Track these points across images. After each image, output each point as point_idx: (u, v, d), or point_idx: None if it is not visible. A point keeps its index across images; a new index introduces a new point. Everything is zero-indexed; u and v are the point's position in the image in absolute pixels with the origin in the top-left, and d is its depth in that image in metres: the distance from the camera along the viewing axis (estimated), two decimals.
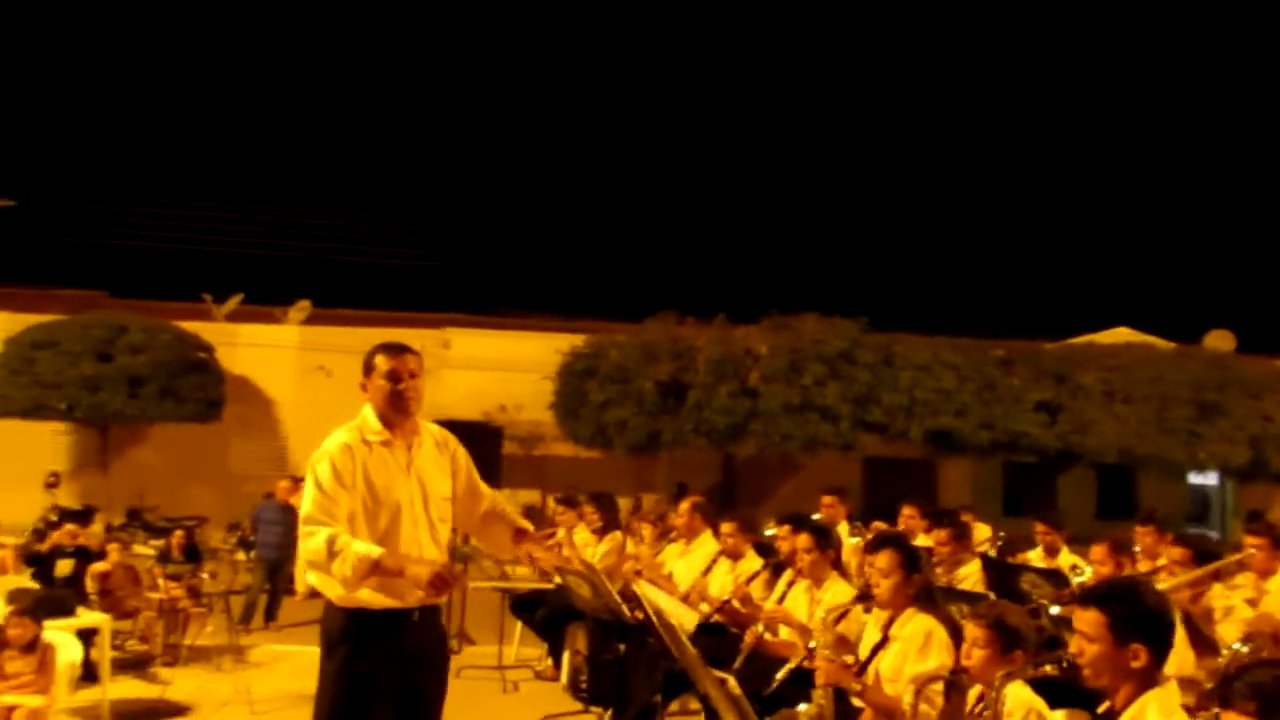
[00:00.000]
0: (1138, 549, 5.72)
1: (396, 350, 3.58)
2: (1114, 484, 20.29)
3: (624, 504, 11.69)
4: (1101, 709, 2.56)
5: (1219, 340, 19.45)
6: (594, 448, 16.36)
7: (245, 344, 19.45)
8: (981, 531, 8.66)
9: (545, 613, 6.83)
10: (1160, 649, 2.44)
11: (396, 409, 3.49)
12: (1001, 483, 20.34)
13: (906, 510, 6.90)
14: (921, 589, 3.78)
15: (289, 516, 10.00)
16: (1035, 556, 6.74)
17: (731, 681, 3.14)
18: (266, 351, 19.48)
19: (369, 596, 3.36)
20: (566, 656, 6.75)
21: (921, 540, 6.50)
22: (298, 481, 9.39)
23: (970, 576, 5.82)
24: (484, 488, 3.83)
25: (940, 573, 5.72)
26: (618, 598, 5.13)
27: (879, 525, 7.42)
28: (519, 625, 7.60)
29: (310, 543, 3.29)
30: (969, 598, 4.80)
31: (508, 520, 3.81)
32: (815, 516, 6.47)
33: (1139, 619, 2.45)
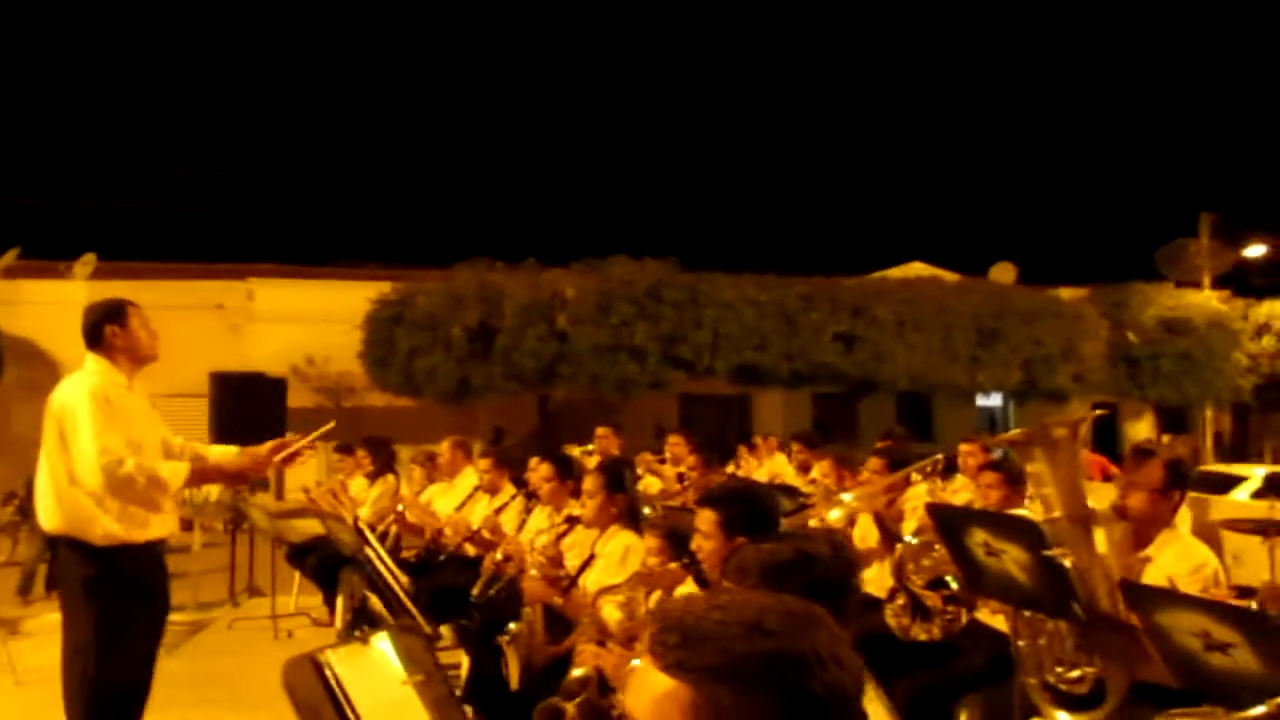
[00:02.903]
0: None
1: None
2: (912, 409, 21.64)
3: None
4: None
5: (1002, 273, 20.86)
6: (404, 396, 16.18)
7: (26, 302, 18.11)
8: (779, 461, 9.16)
9: (317, 559, 6.79)
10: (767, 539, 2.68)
11: (147, 358, 3.84)
12: (811, 413, 21.38)
13: (672, 439, 7.19)
14: (625, 508, 3.99)
15: None
16: (790, 474, 7.18)
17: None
18: (50, 309, 18.14)
19: (127, 532, 3.59)
20: (340, 601, 6.75)
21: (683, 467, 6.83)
22: None
23: None
24: None
25: (692, 494, 6.02)
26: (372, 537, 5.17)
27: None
28: (297, 575, 7.54)
29: (121, 470, 3.45)
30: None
31: None
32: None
33: (746, 518, 2.69)
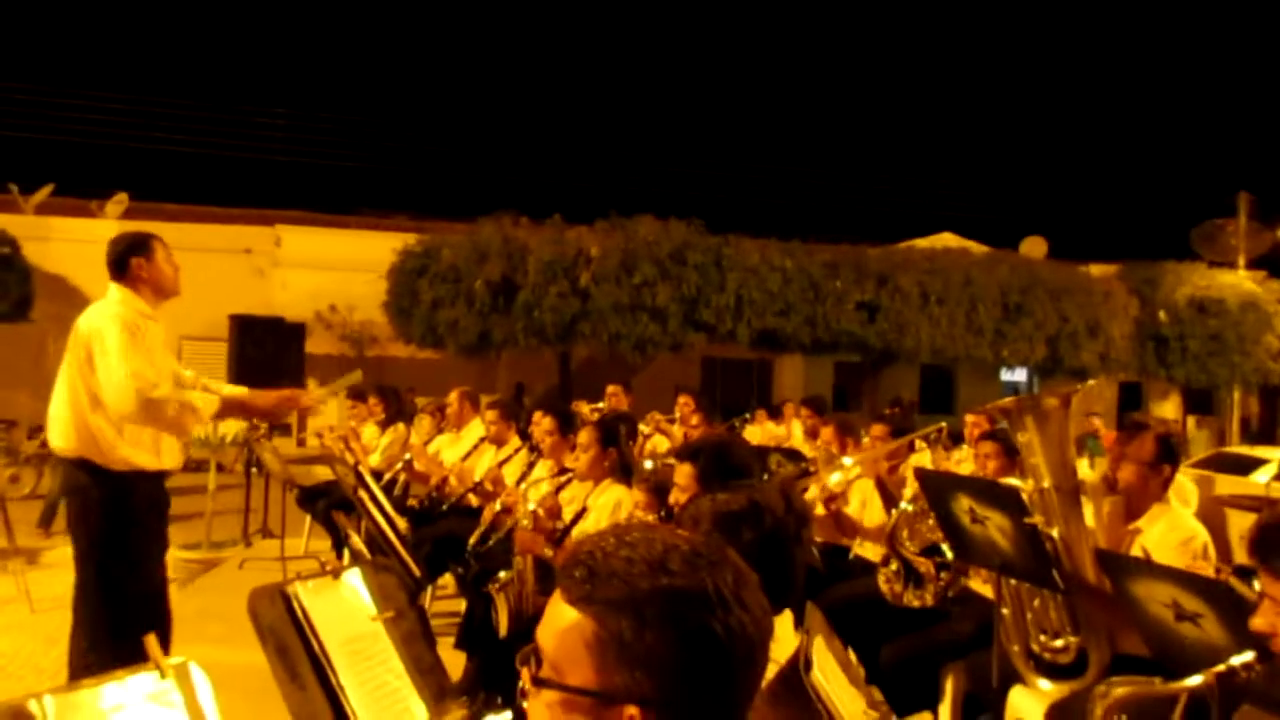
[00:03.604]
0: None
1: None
2: (935, 381, 21.55)
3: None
4: None
5: (1032, 247, 20.62)
6: (426, 348, 16.30)
7: (58, 239, 18.36)
8: (795, 427, 9.19)
9: (327, 503, 6.90)
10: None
11: (170, 292, 3.93)
12: (832, 380, 21.34)
13: (681, 399, 7.21)
14: (616, 462, 4.02)
15: None
16: (799, 439, 7.18)
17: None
18: (82, 247, 18.36)
19: (141, 458, 3.70)
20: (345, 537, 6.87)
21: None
22: None
23: None
24: None
25: None
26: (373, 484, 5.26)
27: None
28: (308, 519, 7.67)
29: (155, 393, 3.54)
30: None
31: None
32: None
33: (722, 470, 2.71)
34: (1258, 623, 1.85)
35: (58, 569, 7.75)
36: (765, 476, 5.33)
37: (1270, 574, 1.67)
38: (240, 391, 4.21)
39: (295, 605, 2.03)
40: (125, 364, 3.57)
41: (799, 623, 1.89)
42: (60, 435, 3.75)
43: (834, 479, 4.77)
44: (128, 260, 3.83)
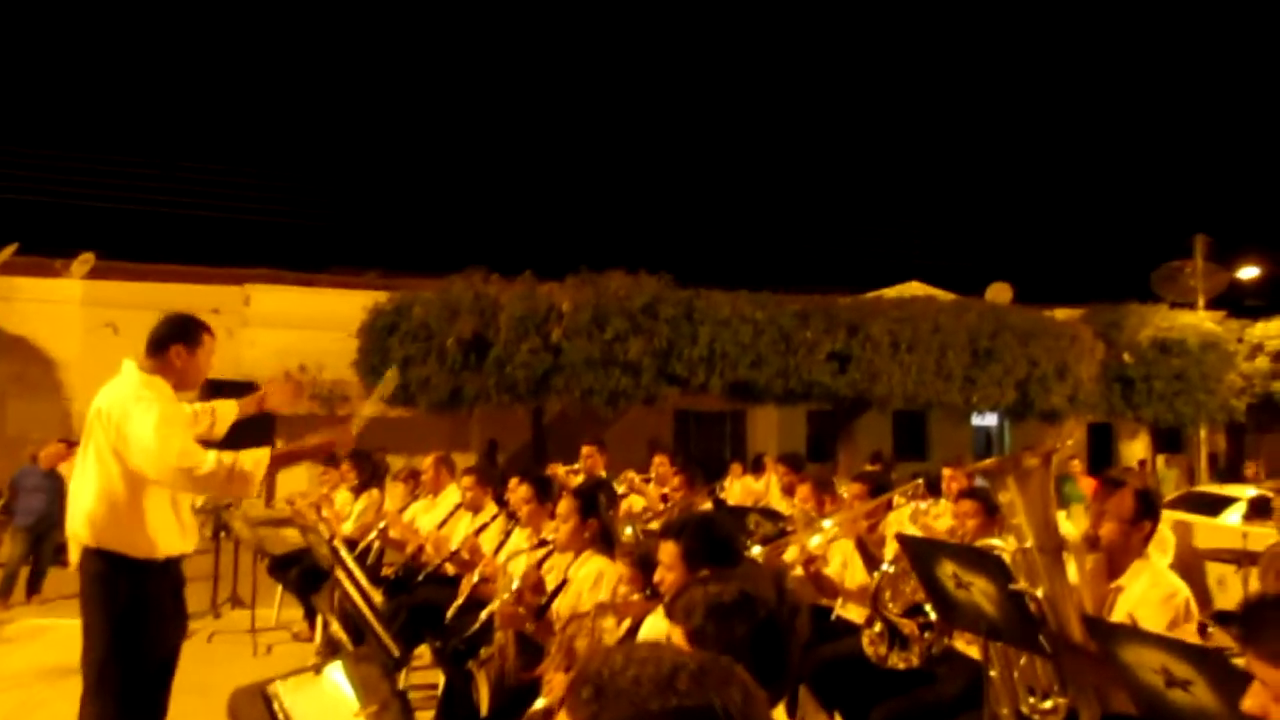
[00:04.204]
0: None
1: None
2: (907, 427, 21.65)
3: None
4: None
5: (998, 293, 20.90)
6: (397, 406, 16.17)
7: (21, 299, 18.17)
8: (768, 482, 9.17)
9: (299, 572, 6.76)
10: (726, 572, 2.67)
11: (193, 387, 3.78)
12: (806, 430, 21.38)
13: (657, 458, 7.18)
14: (598, 532, 3.97)
15: (54, 483, 9.52)
16: (776, 495, 7.15)
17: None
18: (46, 307, 18.25)
19: (169, 543, 3.61)
20: (320, 617, 6.72)
21: (670, 487, 6.83)
22: (71, 445, 8.91)
23: None
24: None
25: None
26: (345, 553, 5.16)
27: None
28: (279, 587, 7.51)
29: (201, 471, 3.39)
30: None
31: None
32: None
33: (708, 549, 2.68)
34: (1249, 705, 1.84)
35: (19, 643, 7.53)
36: (744, 539, 5.32)
37: (1257, 655, 1.67)
38: (232, 407, 4.21)
39: (277, 706, 1.97)
40: (170, 441, 3.43)
41: (792, 710, 1.86)
42: (85, 525, 3.59)
43: (814, 542, 4.74)
44: (169, 345, 3.70)
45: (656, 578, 2.75)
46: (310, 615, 6.95)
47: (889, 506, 5.06)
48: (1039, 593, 3.22)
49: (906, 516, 5.37)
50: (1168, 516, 10.96)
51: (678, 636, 1.79)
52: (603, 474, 7.46)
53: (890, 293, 19.77)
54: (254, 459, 3.54)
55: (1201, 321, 20.22)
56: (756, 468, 11.18)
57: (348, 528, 6.93)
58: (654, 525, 5.38)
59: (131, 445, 3.47)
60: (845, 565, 4.93)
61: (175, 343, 3.70)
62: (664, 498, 6.72)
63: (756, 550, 4.84)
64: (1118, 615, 3.38)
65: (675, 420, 21.00)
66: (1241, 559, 5.07)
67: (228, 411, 3.90)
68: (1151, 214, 46.49)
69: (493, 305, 15.24)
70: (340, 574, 3.94)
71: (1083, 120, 52.41)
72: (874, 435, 19.89)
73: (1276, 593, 1.76)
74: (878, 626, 4.31)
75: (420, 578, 5.46)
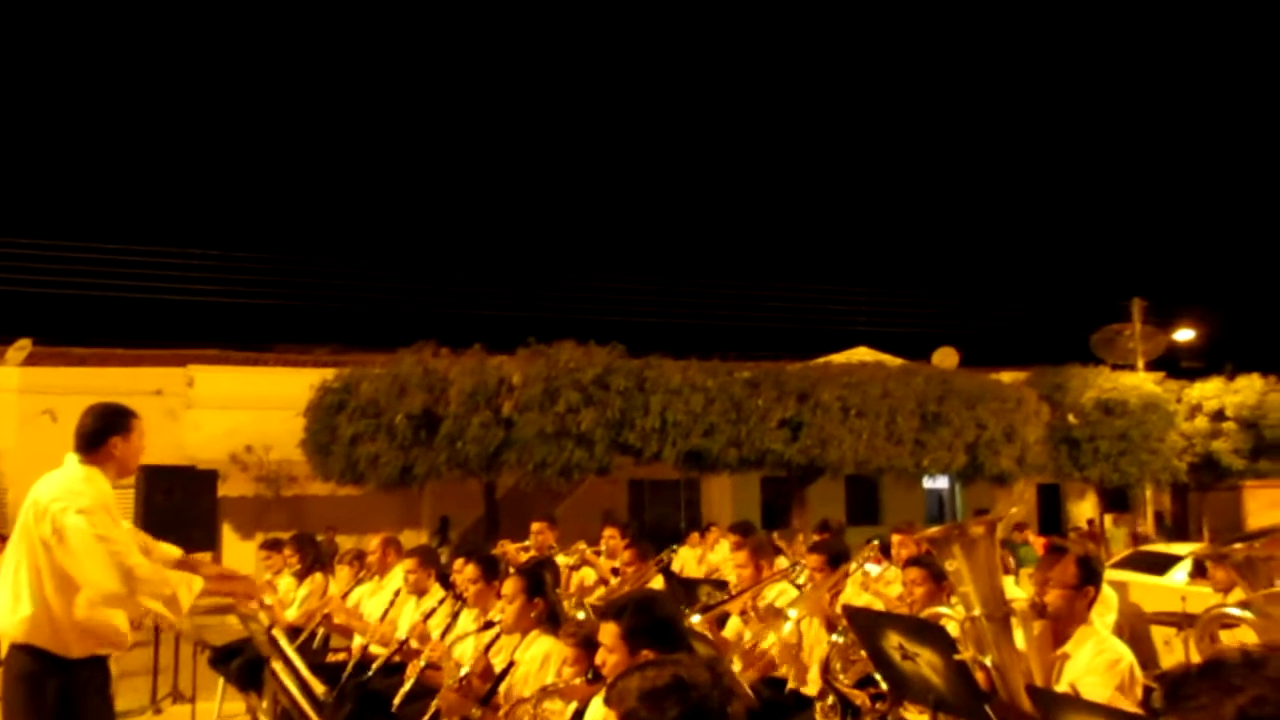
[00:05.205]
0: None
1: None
2: (860, 492, 21.73)
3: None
4: None
5: (944, 356, 21.26)
6: (346, 484, 15.90)
7: None
8: (721, 551, 9.09)
9: (242, 663, 6.55)
10: (667, 655, 2.64)
11: (131, 471, 3.81)
12: (760, 497, 21.36)
13: (607, 531, 7.11)
14: (544, 611, 3.91)
15: None
16: (729, 566, 7.08)
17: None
18: None
19: (104, 640, 3.56)
20: (265, 705, 6.49)
21: (622, 559, 6.76)
22: (3, 540, 8.60)
23: None
24: None
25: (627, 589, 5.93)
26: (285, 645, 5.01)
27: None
28: (221, 680, 7.25)
29: (141, 571, 3.40)
30: None
31: None
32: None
33: (649, 629, 2.65)
34: None
35: None
36: (698, 608, 5.25)
37: None
38: (174, 551, 4.08)
39: None
40: (106, 545, 3.40)
41: None
42: (11, 616, 3.48)
43: (786, 630, 4.64)
44: (107, 439, 3.66)
45: (598, 659, 2.71)
46: (254, 710, 6.71)
47: (847, 575, 5.04)
48: (988, 661, 3.22)
49: (858, 580, 5.34)
50: (1116, 576, 11.09)
51: None
52: (554, 549, 7.37)
53: (839, 358, 20.01)
54: (185, 586, 3.61)
55: (1143, 383, 20.71)
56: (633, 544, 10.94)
57: (291, 614, 6.73)
58: (602, 606, 5.30)
59: (72, 543, 3.42)
60: (817, 641, 4.82)
61: (112, 434, 3.68)
62: (615, 571, 6.64)
63: (696, 619, 4.76)
64: (1063, 683, 3.38)
65: (630, 490, 20.89)
66: (1182, 622, 5.12)
67: (191, 588, 3.73)
68: (1089, 277, 47.90)
69: (442, 380, 15.15)
70: (278, 665, 3.82)
71: (1019, 185, 54.15)
72: (827, 501, 19.94)
73: (1201, 660, 1.77)
74: (830, 699, 4.27)
75: (370, 673, 5.29)
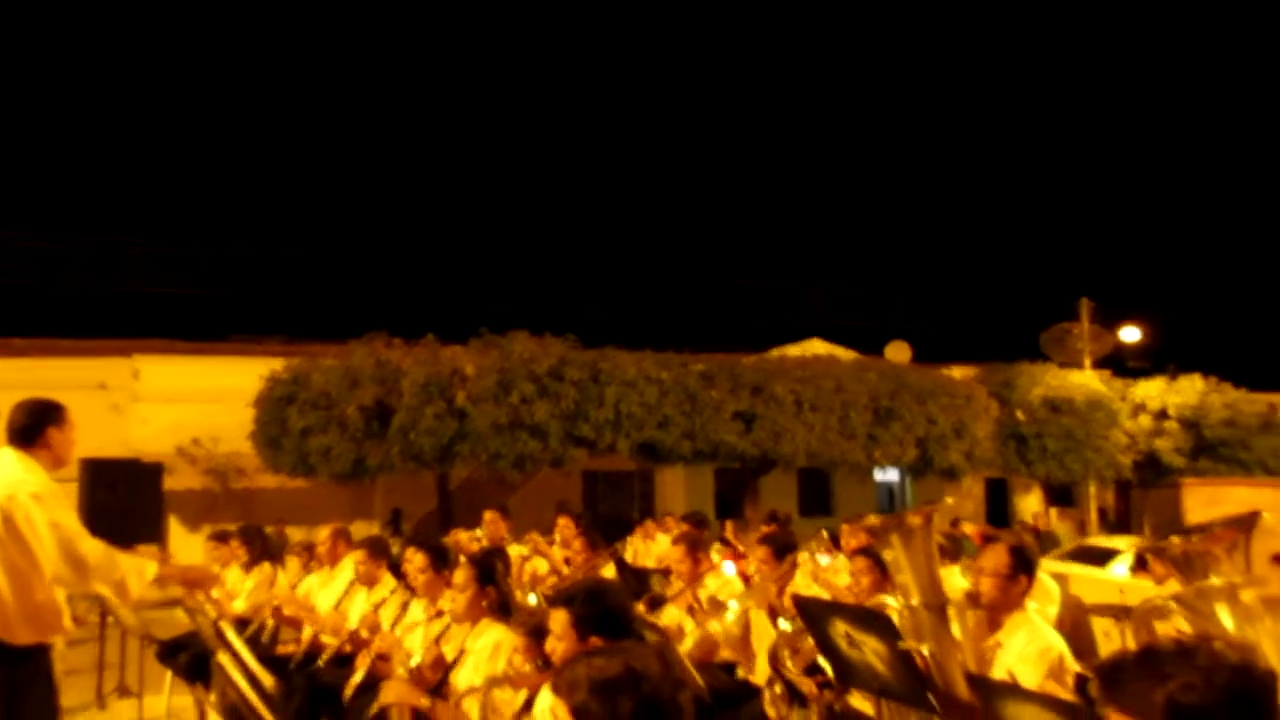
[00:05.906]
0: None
1: None
2: (812, 485, 21.96)
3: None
4: None
5: (896, 351, 21.53)
6: (297, 477, 15.71)
7: None
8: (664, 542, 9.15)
9: (189, 656, 6.47)
10: (616, 643, 2.67)
11: (66, 463, 3.84)
12: (714, 489, 21.50)
13: (561, 521, 7.12)
14: (496, 600, 3.93)
15: None
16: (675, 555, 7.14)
17: None
18: None
19: (52, 627, 3.60)
20: (213, 699, 6.43)
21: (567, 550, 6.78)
22: None
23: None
24: None
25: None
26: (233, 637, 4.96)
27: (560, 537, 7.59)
28: (169, 674, 7.15)
29: (106, 560, 3.52)
30: None
31: None
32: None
33: (599, 618, 2.68)
34: None
35: None
36: (648, 597, 5.29)
37: (1118, 710, 1.76)
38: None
39: None
40: (56, 531, 3.50)
41: None
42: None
43: (729, 619, 4.68)
44: (44, 429, 3.73)
45: (547, 647, 2.73)
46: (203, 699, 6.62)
47: (795, 565, 5.11)
48: (925, 650, 3.30)
49: (808, 569, 5.42)
50: (1060, 569, 11.35)
51: (562, 712, 1.78)
52: (507, 539, 7.38)
53: (793, 350, 20.17)
54: (139, 574, 3.70)
55: (1089, 381, 21.14)
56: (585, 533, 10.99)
57: (239, 606, 6.66)
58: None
59: (24, 532, 3.48)
60: (766, 632, 4.89)
61: (47, 425, 3.74)
62: (567, 560, 6.65)
63: (639, 608, 4.80)
64: (998, 670, 3.47)
65: (584, 482, 20.90)
66: (1119, 613, 5.29)
67: (148, 572, 3.77)
68: (1040, 276, 48.74)
69: (395, 371, 15.03)
70: (224, 658, 3.80)
71: (974, 186, 54.93)
72: (780, 493, 20.13)
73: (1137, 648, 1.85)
74: (778, 687, 4.34)
75: (320, 662, 5.26)
